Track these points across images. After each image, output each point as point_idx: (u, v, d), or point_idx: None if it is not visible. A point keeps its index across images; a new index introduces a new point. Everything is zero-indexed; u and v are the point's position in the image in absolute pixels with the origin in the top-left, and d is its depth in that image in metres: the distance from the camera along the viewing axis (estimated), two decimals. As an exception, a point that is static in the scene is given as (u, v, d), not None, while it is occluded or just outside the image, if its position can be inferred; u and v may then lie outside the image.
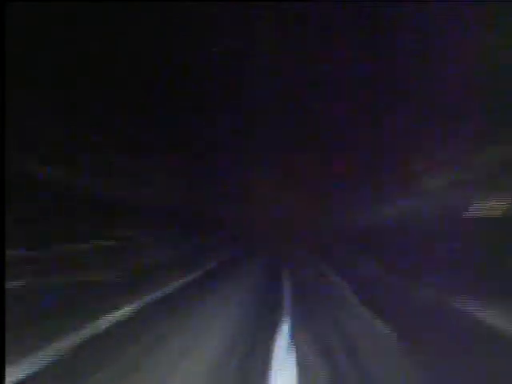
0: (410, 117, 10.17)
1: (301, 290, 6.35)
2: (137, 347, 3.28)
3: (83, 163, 8.49)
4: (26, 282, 5.24)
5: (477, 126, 7.92)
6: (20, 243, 5.91)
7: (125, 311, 4.33)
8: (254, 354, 3.18)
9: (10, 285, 4.78)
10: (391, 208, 12.68)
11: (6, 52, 4.39)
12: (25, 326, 3.62)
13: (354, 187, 17.96)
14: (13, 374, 2.64)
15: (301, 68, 10.41)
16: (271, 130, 15.21)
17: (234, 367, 2.92)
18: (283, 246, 17.87)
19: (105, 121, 8.74)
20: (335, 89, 11.09)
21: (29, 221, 6.28)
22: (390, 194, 13.15)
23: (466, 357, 3.21)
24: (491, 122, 7.17)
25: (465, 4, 6.34)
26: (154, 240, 11.85)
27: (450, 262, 7.07)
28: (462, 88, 7.61)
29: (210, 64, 9.69)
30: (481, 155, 7.66)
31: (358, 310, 4.83)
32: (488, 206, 7.21)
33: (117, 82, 8.58)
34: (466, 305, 4.92)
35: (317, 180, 20.17)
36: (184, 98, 11.23)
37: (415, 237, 9.80)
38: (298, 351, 3.22)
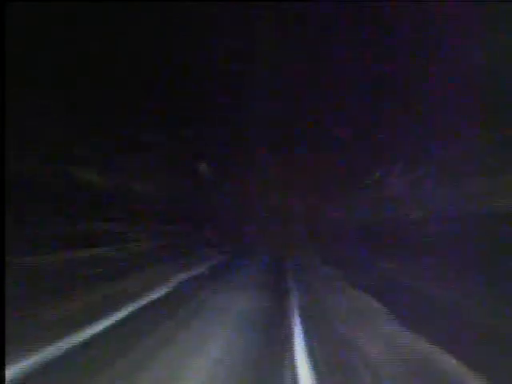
0: (410, 117, 10.17)
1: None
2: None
3: (83, 163, 8.48)
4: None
5: (477, 126, 7.91)
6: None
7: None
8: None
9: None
10: (390, 206, 12.65)
11: (6, 52, 4.39)
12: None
13: (354, 186, 17.96)
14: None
15: (301, 68, 10.41)
16: (271, 129, 15.22)
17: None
18: (283, 247, 17.55)
19: (105, 121, 8.75)
20: (335, 88, 11.08)
21: (29, 222, 6.22)
22: (389, 192, 13.13)
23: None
24: (491, 121, 7.17)
25: (465, 4, 6.33)
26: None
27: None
28: (462, 88, 7.61)
29: (210, 64, 9.69)
30: (481, 154, 7.65)
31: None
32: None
33: (117, 82, 8.58)
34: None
35: (316, 179, 20.18)
36: (184, 98, 11.23)
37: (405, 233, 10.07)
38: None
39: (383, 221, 12.87)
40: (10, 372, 2.73)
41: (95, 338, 3.38)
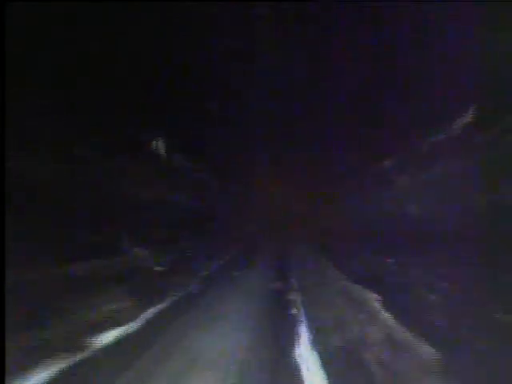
0: (410, 116, 10.17)
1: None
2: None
3: (83, 163, 8.46)
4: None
5: (477, 124, 7.92)
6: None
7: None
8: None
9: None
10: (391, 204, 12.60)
11: (6, 52, 4.39)
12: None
13: (354, 186, 17.96)
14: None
15: (301, 68, 10.41)
16: (271, 129, 15.22)
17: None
18: (284, 249, 15.57)
19: (105, 121, 8.74)
20: (335, 88, 11.09)
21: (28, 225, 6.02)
22: (389, 190, 13.11)
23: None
24: (491, 120, 7.17)
25: (465, 4, 6.33)
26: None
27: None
28: (462, 87, 7.61)
29: (210, 64, 9.69)
30: (480, 153, 7.65)
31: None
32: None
33: (117, 82, 8.58)
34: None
35: (317, 179, 20.18)
36: (184, 98, 11.23)
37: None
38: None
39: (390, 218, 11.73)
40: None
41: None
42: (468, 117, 7.63)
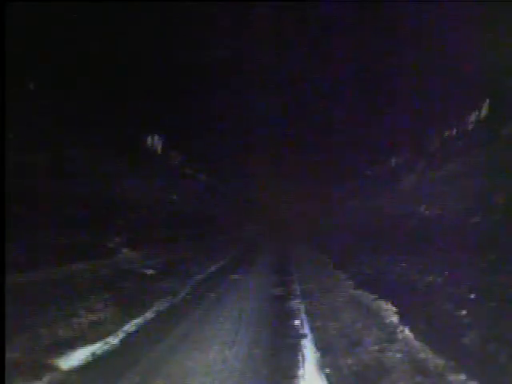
0: (410, 116, 10.17)
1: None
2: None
3: (83, 163, 8.47)
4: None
5: (477, 123, 7.92)
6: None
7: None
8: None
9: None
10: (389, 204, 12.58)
11: (6, 52, 4.40)
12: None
13: (355, 186, 17.96)
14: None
15: (301, 68, 10.41)
16: (270, 128, 15.23)
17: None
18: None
19: (103, 120, 8.75)
20: (334, 87, 11.09)
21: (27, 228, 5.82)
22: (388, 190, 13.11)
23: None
24: (492, 118, 7.18)
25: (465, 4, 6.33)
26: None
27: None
28: (462, 87, 7.62)
29: (210, 64, 9.69)
30: (480, 152, 7.65)
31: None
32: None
33: (117, 82, 8.58)
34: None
35: (316, 179, 20.17)
36: (184, 98, 11.23)
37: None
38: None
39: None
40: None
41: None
42: (475, 115, 7.59)
